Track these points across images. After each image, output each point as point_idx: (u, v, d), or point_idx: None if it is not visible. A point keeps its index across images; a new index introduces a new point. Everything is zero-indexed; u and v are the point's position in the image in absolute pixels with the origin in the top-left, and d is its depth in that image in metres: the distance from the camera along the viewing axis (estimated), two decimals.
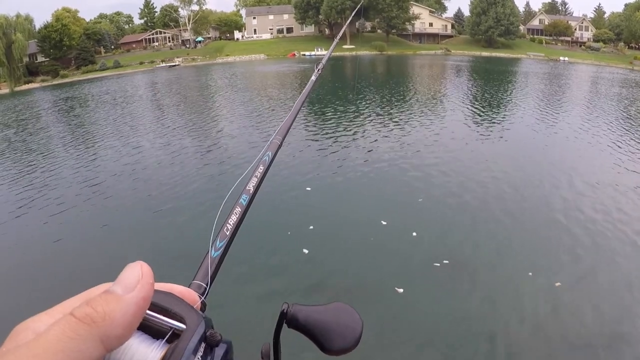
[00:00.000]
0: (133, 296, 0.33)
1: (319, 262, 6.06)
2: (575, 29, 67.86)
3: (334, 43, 1.94)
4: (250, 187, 0.70)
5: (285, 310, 0.50)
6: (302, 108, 1.14)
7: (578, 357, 4.32)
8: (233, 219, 0.61)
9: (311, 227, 7.00)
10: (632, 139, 12.86)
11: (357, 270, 5.86)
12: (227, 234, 0.58)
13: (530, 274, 5.58)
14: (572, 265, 5.89)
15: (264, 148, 0.82)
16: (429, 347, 4.48)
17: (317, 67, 1.53)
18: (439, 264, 5.79)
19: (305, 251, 6.24)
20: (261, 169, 0.75)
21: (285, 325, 0.50)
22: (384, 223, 7.03)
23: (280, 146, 0.87)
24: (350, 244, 6.53)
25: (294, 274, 5.83)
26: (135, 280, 0.34)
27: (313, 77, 1.39)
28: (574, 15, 76.42)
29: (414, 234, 6.66)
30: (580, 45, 65.13)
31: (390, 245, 6.44)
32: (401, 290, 5.26)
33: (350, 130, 13.74)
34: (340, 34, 1.91)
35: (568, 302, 5.12)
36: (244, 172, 0.75)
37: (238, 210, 0.63)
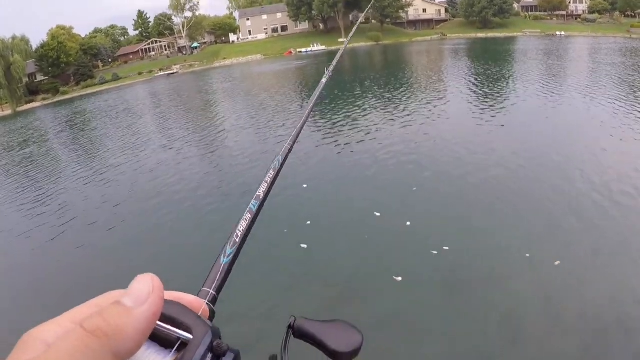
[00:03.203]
0: (144, 310, 0.33)
1: (318, 256, 6.14)
2: (570, 2, 66.70)
3: (344, 46, 1.88)
4: (260, 192, 0.68)
5: (292, 324, 0.52)
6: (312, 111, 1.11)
7: (579, 338, 4.27)
8: (243, 225, 0.60)
9: (308, 222, 7.07)
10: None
11: (356, 261, 5.92)
12: (237, 240, 0.58)
13: (527, 255, 5.56)
14: (571, 244, 5.83)
15: (275, 155, 0.81)
16: (429, 333, 4.51)
17: (327, 69, 1.50)
18: (436, 252, 5.80)
19: (304, 246, 6.31)
20: (271, 174, 0.74)
21: (292, 337, 0.52)
22: (378, 214, 7.05)
23: (290, 150, 0.85)
24: (348, 237, 6.58)
25: (294, 269, 5.91)
26: (146, 293, 0.33)
27: (323, 80, 1.34)
28: None
29: (408, 223, 6.68)
30: (576, 18, 64.13)
31: (387, 235, 6.47)
32: (400, 278, 5.29)
33: (342, 123, 13.75)
34: (351, 33, 1.91)
35: (568, 280, 5.08)
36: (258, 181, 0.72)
37: (248, 216, 0.62)
